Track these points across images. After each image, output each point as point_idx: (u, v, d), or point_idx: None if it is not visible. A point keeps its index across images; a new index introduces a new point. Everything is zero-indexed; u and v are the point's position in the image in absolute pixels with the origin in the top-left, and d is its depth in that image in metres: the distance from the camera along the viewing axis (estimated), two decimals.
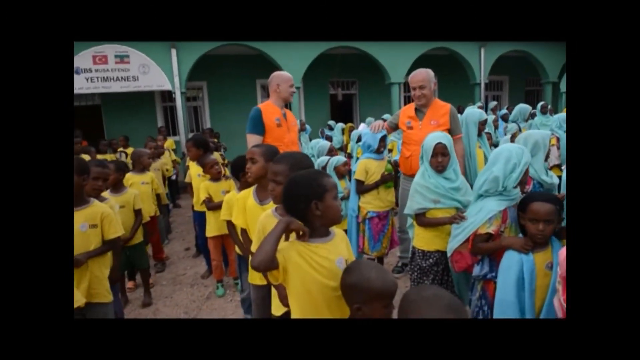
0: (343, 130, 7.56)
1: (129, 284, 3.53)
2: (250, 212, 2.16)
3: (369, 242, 3.24)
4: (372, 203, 3.20)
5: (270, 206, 1.93)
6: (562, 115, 4.46)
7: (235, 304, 3.20)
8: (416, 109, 3.15)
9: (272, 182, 1.67)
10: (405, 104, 11.23)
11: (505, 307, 1.61)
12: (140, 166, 3.82)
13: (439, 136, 2.29)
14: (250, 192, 2.27)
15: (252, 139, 3.06)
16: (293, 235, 1.41)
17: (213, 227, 3.22)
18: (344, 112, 11.35)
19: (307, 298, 1.38)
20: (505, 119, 6.80)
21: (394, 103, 9.49)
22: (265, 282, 2.18)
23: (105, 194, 3.01)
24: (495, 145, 4.70)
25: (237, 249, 2.70)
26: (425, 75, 3.09)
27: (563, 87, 11.89)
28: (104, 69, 7.74)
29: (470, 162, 3.33)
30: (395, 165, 3.35)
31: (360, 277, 1.29)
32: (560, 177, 2.46)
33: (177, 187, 7.04)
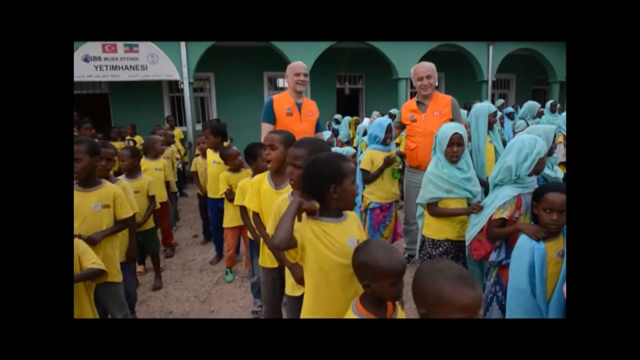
0: (350, 124, 7.58)
1: (139, 268, 3.58)
2: (265, 197, 2.19)
3: (369, 232, 3.29)
4: (376, 194, 3.24)
5: (286, 191, 1.97)
6: None
7: (244, 289, 3.25)
8: (418, 102, 3.24)
9: (292, 165, 1.70)
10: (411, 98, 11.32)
11: (517, 293, 1.65)
12: (154, 152, 3.87)
13: (455, 126, 2.32)
14: (264, 176, 2.30)
15: (264, 127, 3.19)
16: (304, 216, 1.46)
17: (232, 218, 3.22)
18: (350, 107, 11.36)
19: (321, 275, 1.43)
20: (511, 116, 6.80)
21: (401, 98, 9.49)
22: (276, 265, 2.23)
23: (115, 183, 3.07)
24: (503, 142, 4.71)
25: (248, 234, 2.75)
26: (431, 65, 3.25)
27: None
28: (113, 57, 7.76)
29: (479, 156, 3.36)
30: (402, 156, 3.38)
31: (367, 256, 1.34)
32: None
33: (184, 177, 7.09)
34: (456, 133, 2.27)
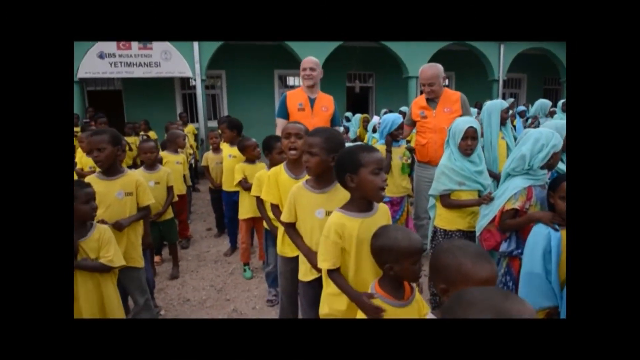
0: (359, 121, 7.64)
1: (156, 259, 3.67)
2: (284, 187, 2.26)
3: None
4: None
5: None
6: None
7: (258, 279, 3.32)
8: (427, 99, 3.27)
9: (307, 153, 1.76)
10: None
11: (531, 278, 1.70)
12: (175, 147, 3.98)
13: (470, 120, 2.38)
14: (281, 168, 2.37)
15: (278, 122, 3.27)
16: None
17: (247, 209, 3.29)
18: (360, 105, 11.40)
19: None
20: (522, 115, 6.79)
21: (411, 97, 9.50)
22: (295, 254, 2.29)
23: (139, 170, 3.17)
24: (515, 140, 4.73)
25: (265, 225, 2.82)
26: (434, 71, 3.23)
27: None
28: (128, 54, 7.89)
29: (491, 152, 3.40)
30: (412, 150, 3.41)
31: (387, 239, 1.42)
32: None
33: (196, 172, 7.20)
34: (471, 127, 2.32)
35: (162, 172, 3.25)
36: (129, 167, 3.54)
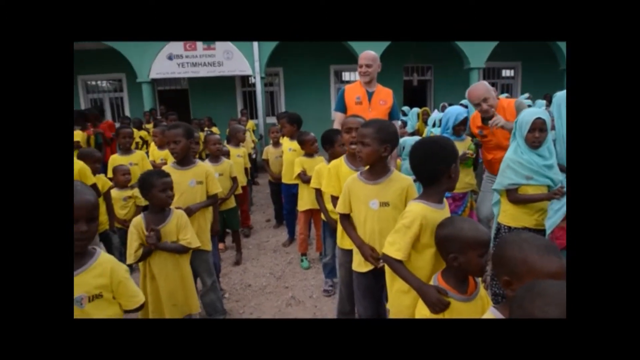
0: (418, 116, 7.48)
1: (220, 246, 3.91)
2: (345, 179, 2.28)
3: None
4: None
5: None
6: None
7: (315, 269, 3.42)
8: (482, 118, 3.05)
9: (360, 144, 1.79)
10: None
11: None
12: (237, 141, 4.20)
13: (538, 111, 2.25)
14: (341, 160, 2.42)
15: (336, 116, 3.32)
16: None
17: (306, 201, 3.39)
18: (418, 99, 11.12)
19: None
20: None
21: None
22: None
23: (205, 163, 3.39)
24: None
25: (322, 216, 2.89)
26: (483, 87, 2.95)
27: None
28: (193, 55, 8.40)
29: (562, 145, 3.18)
30: (478, 145, 3.27)
31: (453, 229, 1.41)
32: None
33: (256, 166, 7.49)
34: (539, 118, 2.19)
35: (225, 164, 3.45)
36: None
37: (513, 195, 2.31)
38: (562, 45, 9.16)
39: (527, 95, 7.71)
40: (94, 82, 10.48)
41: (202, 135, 6.91)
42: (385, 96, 3.30)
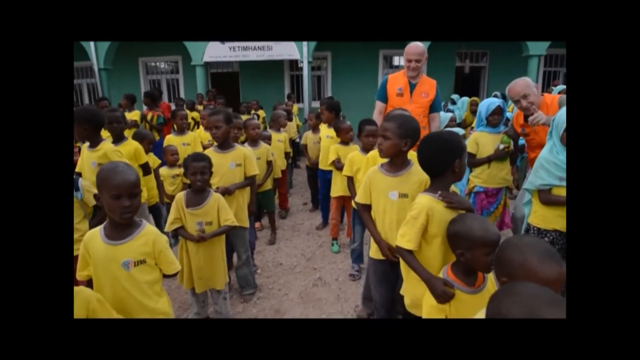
0: (468, 105, 7.21)
1: (256, 225, 4.13)
2: None
3: None
4: (480, 177, 3.09)
5: None
6: None
7: (344, 254, 3.53)
8: (525, 116, 2.88)
9: (382, 137, 1.85)
10: (544, 80, 10.03)
11: None
12: (278, 126, 4.36)
13: None
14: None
15: (377, 105, 3.32)
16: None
17: (339, 188, 3.46)
18: (471, 87, 10.66)
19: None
20: None
21: (531, 79, 8.57)
22: None
23: (243, 146, 3.57)
24: None
25: (352, 203, 2.98)
26: (523, 83, 2.78)
27: None
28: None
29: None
30: (514, 137, 3.10)
31: (463, 226, 1.45)
32: None
33: (298, 149, 7.67)
34: None
35: (263, 148, 3.62)
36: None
37: (545, 196, 2.24)
38: None
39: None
40: (153, 64, 11.13)
41: (248, 117, 7.18)
42: (428, 88, 3.23)
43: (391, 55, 10.51)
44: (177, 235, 2.34)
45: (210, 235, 2.26)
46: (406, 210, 1.83)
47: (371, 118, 3.14)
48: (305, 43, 8.48)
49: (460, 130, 3.52)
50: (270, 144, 3.93)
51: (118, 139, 2.99)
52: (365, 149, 2.94)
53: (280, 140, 4.29)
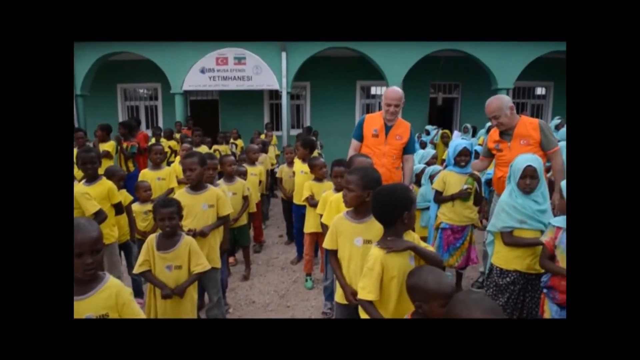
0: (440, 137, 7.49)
1: (230, 260, 4.11)
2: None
3: (438, 252, 3.28)
4: (447, 215, 3.24)
5: None
6: None
7: (317, 290, 3.54)
8: (501, 132, 3.08)
9: (346, 189, 1.96)
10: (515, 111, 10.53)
11: None
12: (250, 160, 4.41)
13: (530, 159, 2.29)
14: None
15: (352, 143, 3.44)
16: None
17: (312, 224, 3.52)
18: (444, 117, 11.07)
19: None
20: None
21: None
22: None
23: (220, 182, 3.60)
24: None
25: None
26: (496, 104, 3.01)
27: None
28: (224, 69, 8.79)
29: None
30: (478, 180, 3.27)
31: (418, 279, 1.53)
32: None
33: (275, 179, 7.71)
34: (529, 166, 2.24)
35: (239, 183, 3.65)
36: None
37: (507, 237, 2.35)
38: None
39: (558, 118, 7.52)
40: (132, 90, 11.12)
41: (226, 148, 7.22)
42: (402, 131, 3.33)
43: (368, 86, 10.84)
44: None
45: (181, 290, 2.25)
46: None
47: (343, 159, 3.22)
48: (284, 74, 8.68)
49: (430, 152, 3.83)
50: (245, 179, 3.97)
51: (91, 179, 2.98)
52: (337, 189, 3.01)
53: (253, 174, 4.33)
